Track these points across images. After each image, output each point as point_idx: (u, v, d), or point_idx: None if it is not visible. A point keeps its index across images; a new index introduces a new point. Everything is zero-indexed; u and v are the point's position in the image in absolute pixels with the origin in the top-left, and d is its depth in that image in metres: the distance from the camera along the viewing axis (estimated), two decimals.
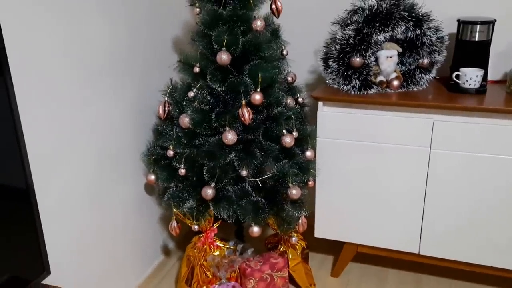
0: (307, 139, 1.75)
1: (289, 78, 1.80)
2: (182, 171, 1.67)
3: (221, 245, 1.83)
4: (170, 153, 1.70)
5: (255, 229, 1.65)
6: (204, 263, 1.81)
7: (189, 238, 1.94)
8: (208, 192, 1.62)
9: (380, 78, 1.76)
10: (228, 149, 1.62)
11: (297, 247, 1.89)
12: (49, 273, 1.05)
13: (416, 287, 1.95)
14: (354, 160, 1.77)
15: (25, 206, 0.97)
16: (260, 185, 1.67)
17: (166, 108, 1.74)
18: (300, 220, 1.72)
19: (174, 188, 1.75)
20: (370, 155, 1.74)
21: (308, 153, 1.75)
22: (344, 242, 1.98)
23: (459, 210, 1.69)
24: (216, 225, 1.84)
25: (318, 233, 1.94)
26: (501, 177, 1.60)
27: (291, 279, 1.92)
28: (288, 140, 1.61)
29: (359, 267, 2.10)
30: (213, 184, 1.63)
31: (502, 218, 1.65)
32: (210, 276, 1.82)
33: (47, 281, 1.20)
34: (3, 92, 0.92)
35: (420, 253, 1.81)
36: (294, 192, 1.62)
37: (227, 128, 1.57)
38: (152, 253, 2.06)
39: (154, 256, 2.07)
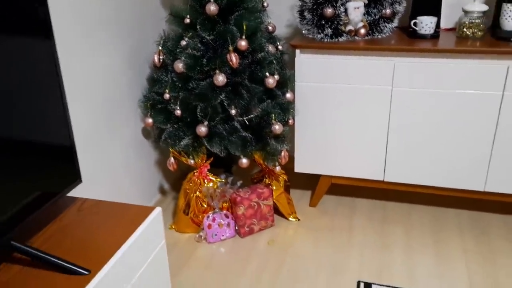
0: (286, 82, 1.99)
1: (270, 28, 2.02)
2: (178, 112, 1.90)
3: (213, 178, 2.08)
4: (167, 96, 1.91)
5: (244, 161, 1.91)
6: (199, 194, 2.06)
7: (182, 180, 2.18)
8: (202, 129, 1.86)
9: (349, 27, 2.00)
10: (218, 90, 1.85)
11: (280, 179, 2.16)
12: (81, 180, 1.28)
13: (382, 212, 2.27)
14: (328, 100, 2.03)
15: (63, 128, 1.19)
16: (247, 123, 1.92)
17: (160, 57, 1.95)
18: (282, 153, 1.98)
19: (171, 129, 1.97)
20: (341, 95, 2.00)
21: (288, 95, 2.00)
22: (320, 175, 2.26)
23: (417, 140, 1.99)
24: (208, 161, 2.08)
25: (298, 168, 2.22)
26: (452, 108, 1.89)
27: (275, 209, 2.20)
28: (271, 81, 1.85)
29: (333, 198, 2.40)
30: (206, 123, 1.87)
31: (453, 144, 1.95)
32: (205, 206, 2.08)
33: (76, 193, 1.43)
34: (50, 56, 1.13)
35: (385, 180, 2.11)
36: (277, 127, 1.87)
37: (217, 71, 1.80)
38: (151, 191, 2.29)
39: (152, 194, 2.31)
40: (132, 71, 2.03)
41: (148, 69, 2.15)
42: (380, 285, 1.78)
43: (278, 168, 2.01)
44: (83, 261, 1.13)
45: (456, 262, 1.89)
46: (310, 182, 2.56)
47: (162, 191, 2.41)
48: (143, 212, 1.32)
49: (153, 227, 1.31)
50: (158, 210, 1.34)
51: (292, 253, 1.99)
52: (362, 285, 1.79)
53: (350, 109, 2.02)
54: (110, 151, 1.93)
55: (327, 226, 2.16)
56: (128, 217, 1.31)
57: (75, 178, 1.27)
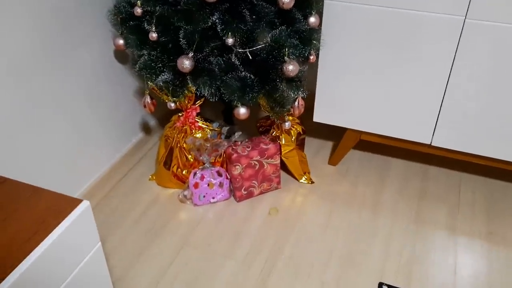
0: (311, 1, 1.38)
1: None
2: (154, 36, 1.35)
3: (204, 126, 1.59)
4: (138, 11, 1.35)
5: (242, 111, 1.38)
6: (184, 145, 1.58)
7: (172, 115, 1.69)
8: (185, 63, 1.31)
9: None
10: (210, 8, 1.27)
11: (291, 132, 1.65)
12: None
13: (421, 179, 1.76)
14: (371, 30, 1.43)
15: None
16: (250, 57, 1.36)
17: None
18: (296, 102, 1.44)
19: (147, 57, 1.44)
20: (388, 23, 1.39)
21: (312, 19, 1.40)
22: (346, 129, 1.74)
23: (483, 97, 1.40)
24: (198, 103, 1.57)
25: (318, 117, 1.68)
26: None
27: (284, 166, 1.72)
28: None
29: (360, 155, 1.89)
30: (191, 54, 1.32)
31: None
32: (192, 160, 1.61)
33: None
34: None
35: (432, 144, 1.57)
36: (291, 68, 1.31)
37: None
38: (129, 130, 1.83)
39: (132, 133, 1.85)
40: None
41: None
42: None
43: (287, 125, 1.48)
44: None
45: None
46: (332, 131, 2.04)
47: (146, 128, 1.94)
48: (61, 207, 0.86)
49: (77, 230, 0.86)
50: (85, 205, 0.87)
51: (298, 230, 1.55)
52: None
53: (398, 45, 1.42)
54: (73, 73, 1.44)
55: (348, 196, 1.68)
56: (37, 214, 0.85)
57: None
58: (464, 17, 1.31)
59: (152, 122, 1.97)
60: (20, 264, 0.76)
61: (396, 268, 1.41)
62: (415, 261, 1.43)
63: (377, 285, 1.36)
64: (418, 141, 1.58)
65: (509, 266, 1.41)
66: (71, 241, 0.85)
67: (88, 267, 0.91)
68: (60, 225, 0.83)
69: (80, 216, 0.85)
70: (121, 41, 1.49)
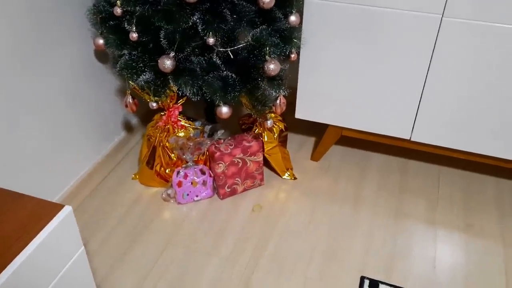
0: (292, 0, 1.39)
1: None
2: (134, 36, 1.34)
3: (186, 125, 1.59)
4: (118, 11, 1.34)
5: (224, 110, 1.39)
6: (167, 144, 1.58)
7: (154, 114, 1.68)
8: (167, 63, 1.31)
9: None
10: (190, 8, 1.27)
11: (274, 129, 1.66)
12: None
13: (401, 173, 1.79)
14: (350, 28, 1.44)
15: None
16: (231, 56, 1.37)
17: None
18: (278, 100, 1.45)
19: (127, 57, 1.43)
20: (369, 22, 1.41)
21: (293, 18, 1.41)
22: (327, 125, 1.76)
23: (460, 94, 1.44)
24: (180, 102, 1.57)
25: (300, 113, 1.70)
26: None
27: (267, 163, 1.74)
28: None
29: (341, 150, 1.92)
30: (172, 54, 1.32)
31: (505, 105, 1.41)
32: (175, 159, 1.62)
33: None
34: None
35: (412, 139, 1.61)
36: (272, 67, 1.32)
37: None
38: (111, 130, 1.82)
39: (114, 133, 1.84)
40: None
41: None
42: (390, 285, 1.38)
43: (270, 123, 1.49)
44: None
45: (492, 261, 1.46)
46: (314, 126, 2.06)
47: (128, 127, 1.93)
48: (43, 213, 0.86)
49: (59, 235, 0.86)
50: (67, 210, 0.87)
51: (282, 226, 1.57)
52: (366, 283, 1.38)
53: (377, 42, 1.44)
54: (53, 73, 1.42)
55: (330, 191, 1.71)
56: (19, 220, 0.85)
57: None
58: (441, 15, 1.34)
59: (134, 120, 1.96)
60: (3, 271, 0.76)
61: (378, 262, 1.44)
62: (396, 254, 1.47)
63: (359, 279, 1.39)
64: (398, 136, 1.61)
65: (486, 258, 1.46)
66: (54, 247, 0.85)
67: (72, 271, 0.91)
68: (42, 231, 0.83)
69: (62, 221, 0.85)
70: (101, 41, 1.48)
